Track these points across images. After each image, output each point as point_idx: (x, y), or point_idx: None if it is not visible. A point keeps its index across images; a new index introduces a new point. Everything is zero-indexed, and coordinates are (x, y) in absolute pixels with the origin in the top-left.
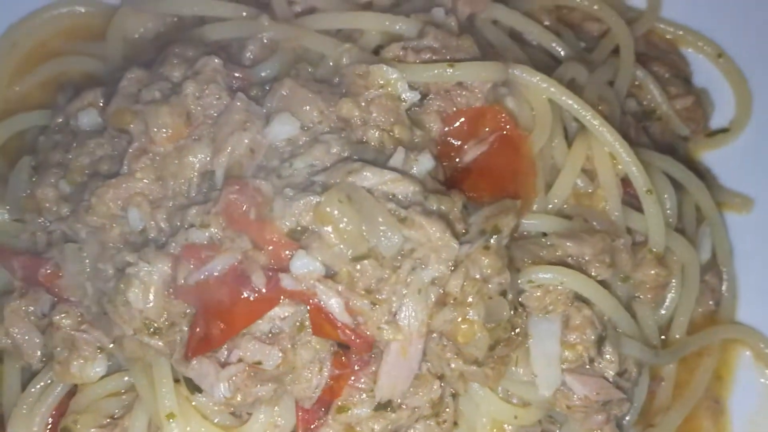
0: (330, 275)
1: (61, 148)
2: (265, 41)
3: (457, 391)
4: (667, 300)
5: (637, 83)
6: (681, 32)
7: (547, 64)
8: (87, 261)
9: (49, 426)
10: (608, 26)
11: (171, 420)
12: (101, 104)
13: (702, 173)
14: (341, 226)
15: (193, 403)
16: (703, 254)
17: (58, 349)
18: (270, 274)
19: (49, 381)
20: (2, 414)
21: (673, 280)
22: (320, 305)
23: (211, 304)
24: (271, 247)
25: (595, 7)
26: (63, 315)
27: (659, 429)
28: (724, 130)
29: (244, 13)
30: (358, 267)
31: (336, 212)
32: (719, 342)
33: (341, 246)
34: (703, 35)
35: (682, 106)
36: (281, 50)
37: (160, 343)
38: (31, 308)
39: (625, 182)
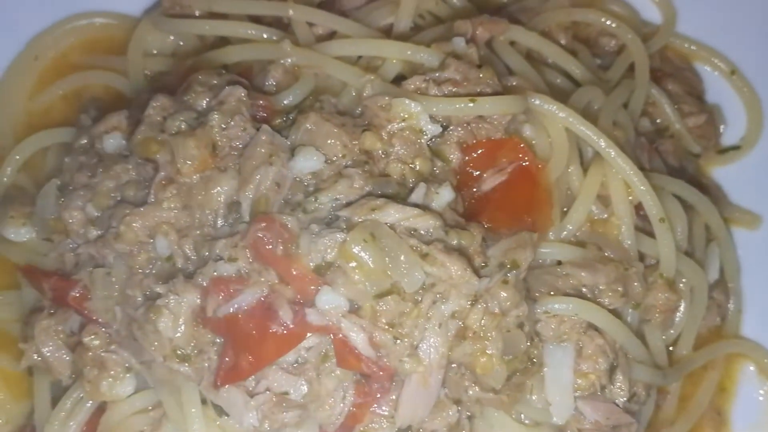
0: (354, 310)
1: (87, 170)
2: (287, 66)
3: (473, 413)
4: (676, 320)
5: (651, 101)
6: (695, 48)
7: (563, 87)
8: (116, 286)
9: None
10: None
11: None
12: (125, 128)
13: (711, 189)
14: (365, 264)
15: (218, 423)
16: (711, 273)
17: (88, 368)
18: (296, 308)
19: (79, 396)
20: (33, 427)
21: (682, 301)
22: (345, 339)
23: (239, 336)
24: (297, 282)
25: (613, 24)
26: (92, 336)
27: None
28: (735, 147)
29: (265, 35)
30: (382, 302)
31: (360, 251)
32: (723, 356)
33: (365, 283)
34: (717, 51)
35: (695, 124)
36: (303, 77)
37: (188, 370)
38: (60, 327)
39: (638, 205)
